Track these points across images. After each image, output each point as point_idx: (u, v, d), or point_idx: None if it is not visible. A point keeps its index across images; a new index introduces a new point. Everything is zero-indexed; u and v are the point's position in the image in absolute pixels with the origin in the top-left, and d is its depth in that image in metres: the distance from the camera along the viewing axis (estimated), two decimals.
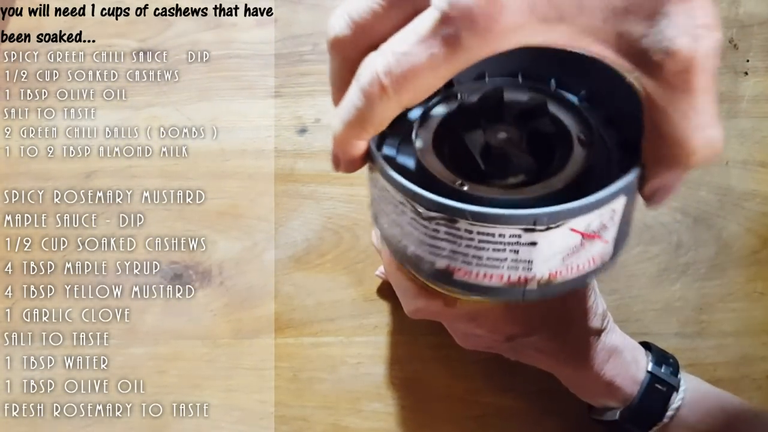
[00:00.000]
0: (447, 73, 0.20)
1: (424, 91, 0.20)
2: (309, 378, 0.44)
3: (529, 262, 0.22)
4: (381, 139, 0.27)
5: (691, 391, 0.36)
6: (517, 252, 0.21)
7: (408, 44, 0.19)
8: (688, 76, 0.19)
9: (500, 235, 0.21)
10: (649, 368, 0.36)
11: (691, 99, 0.19)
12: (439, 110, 0.27)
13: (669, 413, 0.35)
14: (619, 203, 0.22)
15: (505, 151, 0.25)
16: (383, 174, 0.23)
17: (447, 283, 0.23)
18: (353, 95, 0.21)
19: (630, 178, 0.22)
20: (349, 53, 0.21)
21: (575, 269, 0.23)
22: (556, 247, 0.21)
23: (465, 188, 0.23)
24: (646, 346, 0.38)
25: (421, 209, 0.22)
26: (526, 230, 0.21)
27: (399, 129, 0.27)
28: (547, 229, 0.21)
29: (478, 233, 0.21)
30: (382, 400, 0.44)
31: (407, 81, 0.20)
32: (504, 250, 0.21)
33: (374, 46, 0.20)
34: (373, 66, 0.20)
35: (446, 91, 0.28)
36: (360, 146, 0.23)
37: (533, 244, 0.21)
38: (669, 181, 0.23)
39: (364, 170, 0.27)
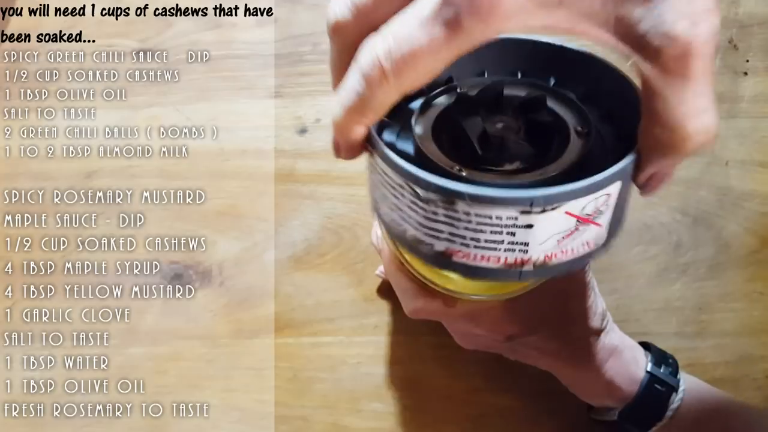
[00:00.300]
0: (448, 57, 0.20)
1: (424, 75, 0.20)
2: (309, 378, 0.44)
3: (525, 244, 0.22)
4: (381, 127, 0.28)
5: (690, 392, 0.36)
6: (513, 234, 0.22)
7: (408, 27, 0.19)
8: (686, 61, 0.19)
9: (497, 217, 0.22)
10: (649, 368, 0.36)
11: (689, 84, 0.20)
12: (439, 101, 0.28)
13: (668, 413, 0.35)
14: (614, 188, 0.22)
15: (502, 138, 0.25)
16: (383, 157, 0.23)
17: (446, 265, 0.24)
18: (353, 80, 0.21)
19: (625, 163, 0.22)
20: (349, 38, 0.21)
21: (570, 252, 0.23)
22: (552, 230, 0.22)
23: (463, 174, 0.24)
24: (645, 346, 0.38)
25: (420, 191, 0.22)
26: (523, 212, 0.21)
27: (399, 118, 0.28)
28: (543, 211, 0.21)
29: (476, 215, 0.22)
30: (382, 400, 0.44)
31: (407, 64, 0.20)
32: (501, 232, 0.22)
33: (375, 31, 0.20)
34: (373, 49, 0.20)
35: (446, 86, 0.29)
36: (360, 131, 0.23)
37: (529, 226, 0.22)
38: (663, 168, 0.23)
39: (365, 166, 0.27)
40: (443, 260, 0.24)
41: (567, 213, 0.22)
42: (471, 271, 0.24)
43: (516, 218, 0.22)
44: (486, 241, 0.22)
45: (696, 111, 0.20)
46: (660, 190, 0.24)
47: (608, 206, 0.23)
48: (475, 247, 0.23)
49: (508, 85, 0.27)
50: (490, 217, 0.22)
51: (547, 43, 0.29)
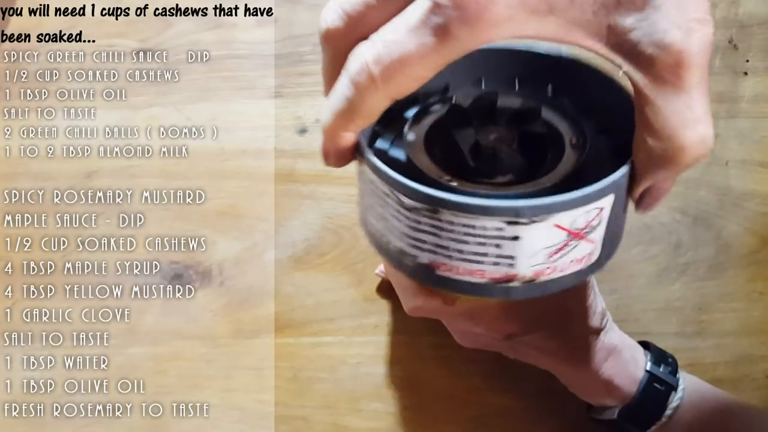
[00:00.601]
0: (437, 64, 0.20)
1: (413, 82, 0.20)
2: (309, 378, 0.44)
3: (512, 258, 0.21)
4: (374, 137, 0.28)
5: (689, 391, 0.36)
6: (499, 246, 0.21)
7: (397, 33, 0.19)
8: (679, 71, 0.19)
9: (482, 228, 0.21)
10: (648, 367, 0.36)
11: (683, 94, 0.19)
12: (434, 110, 0.28)
13: (667, 412, 0.35)
14: (607, 202, 0.22)
15: (494, 150, 0.25)
16: (369, 165, 0.23)
17: (429, 279, 0.23)
18: (343, 85, 0.21)
19: (618, 175, 0.22)
20: (341, 45, 0.21)
21: (560, 268, 0.22)
22: (540, 244, 0.21)
23: (452, 184, 0.23)
24: (645, 345, 0.38)
25: (404, 199, 0.22)
26: (509, 223, 0.21)
27: (393, 127, 0.27)
28: (531, 222, 0.21)
29: (461, 225, 0.21)
30: (382, 400, 0.44)
31: (396, 70, 0.19)
32: (486, 243, 0.21)
33: (366, 39, 0.20)
34: (363, 55, 0.20)
35: (442, 96, 0.28)
36: (349, 138, 0.23)
37: (516, 238, 0.21)
38: (659, 181, 0.22)
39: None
40: (427, 273, 0.23)
41: (556, 226, 0.21)
42: (456, 286, 0.23)
43: (502, 229, 0.21)
44: (471, 253, 0.22)
45: (690, 121, 0.20)
46: (656, 206, 0.23)
47: (601, 221, 0.22)
48: (460, 259, 0.22)
49: (503, 95, 0.27)
50: (475, 227, 0.21)
51: (544, 52, 0.28)
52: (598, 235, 0.22)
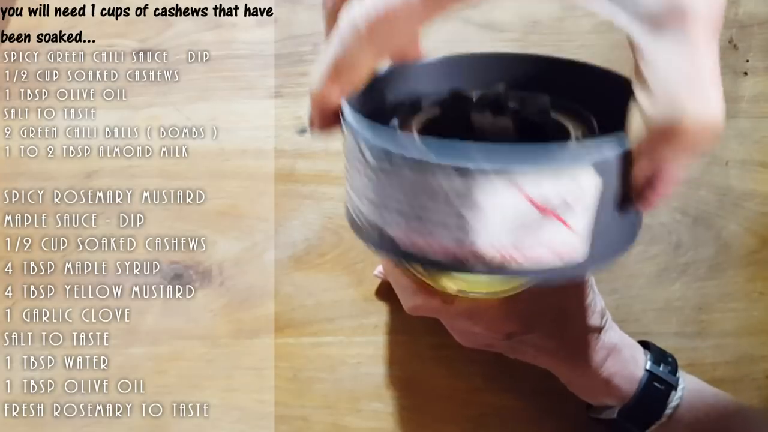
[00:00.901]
0: (422, 18, 0.20)
1: (398, 36, 0.20)
2: (309, 378, 0.44)
3: (468, 222, 0.19)
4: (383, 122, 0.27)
5: (689, 390, 0.36)
6: (453, 205, 0.19)
7: None
8: (683, 20, 0.17)
9: (435, 180, 0.19)
10: (648, 367, 0.36)
11: (686, 46, 0.17)
12: (440, 102, 0.28)
13: (667, 412, 0.35)
14: (588, 179, 0.18)
15: (488, 133, 0.25)
16: (344, 121, 0.23)
17: (396, 253, 0.21)
18: (331, 43, 0.21)
19: (606, 145, 0.19)
20: (338, 12, 0.22)
21: (533, 256, 0.19)
22: (503, 214, 0.19)
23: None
24: (644, 344, 0.38)
25: (367, 154, 0.21)
26: (461, 172, 0.18)
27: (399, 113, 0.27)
28: (485, 175, 0.18)
29: (416, 177, 0.19)
30: (382, 400, 0.44)
31: (382, 24, 0.20)
32: (439, 200, 0.19)
33: None
34: (351, 11, 0.20)
35: (451, 92, 0.28)
36: (334, 97, 0.23)
37: (473, 198, 0.18)
38: (661, 162, 0.19)
39: None
40: (390, 246, 0.21)
41: (523, 194, 0.18)
42: (417, 259, 0.21)
43: (454, 181, 0.18)
44: (427, 211, 0.19)
45: (695, 81, 0.17)
46: (659, 200, 0.20)
47: (581, 202, 0.19)
48: (418, 223, 0.20)
49: (513, 93, 0.26)
50: (428, 180, 0.19)
51: (555, 58, 0.28)
52: (579, 222, 0.19)
